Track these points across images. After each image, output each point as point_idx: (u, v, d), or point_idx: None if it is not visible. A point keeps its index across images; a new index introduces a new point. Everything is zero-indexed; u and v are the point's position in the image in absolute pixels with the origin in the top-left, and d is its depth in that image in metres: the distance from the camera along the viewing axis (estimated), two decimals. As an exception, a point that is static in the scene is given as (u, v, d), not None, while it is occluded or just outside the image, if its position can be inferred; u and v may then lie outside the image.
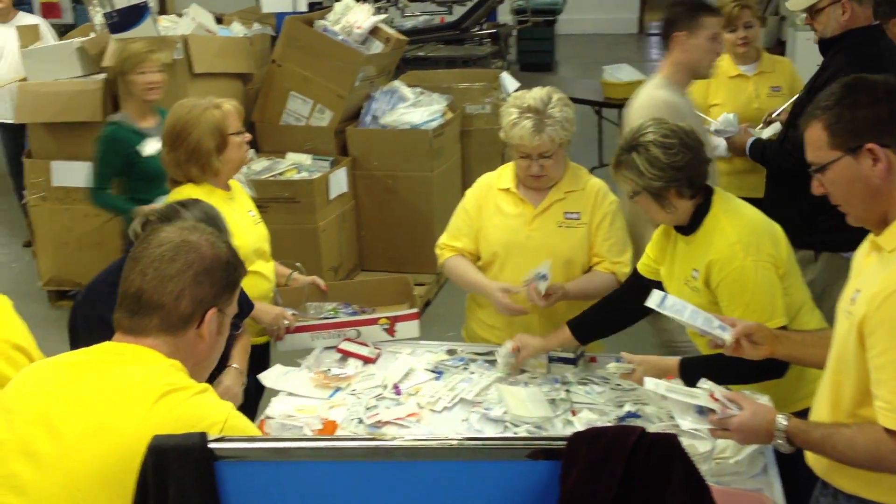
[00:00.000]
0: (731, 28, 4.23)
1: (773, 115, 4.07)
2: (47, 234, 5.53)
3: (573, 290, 2.99)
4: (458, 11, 10.57)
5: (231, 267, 1.77)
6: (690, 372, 2.48)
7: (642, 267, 2.85)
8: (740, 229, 2.54)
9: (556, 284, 2.93)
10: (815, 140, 1.98)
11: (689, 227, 2.63)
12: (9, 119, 5.95)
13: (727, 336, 2.29)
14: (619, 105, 7.49)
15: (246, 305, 2.81)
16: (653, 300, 2.40)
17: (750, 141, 3.86)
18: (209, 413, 1.64)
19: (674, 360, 2.60)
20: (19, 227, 6.60)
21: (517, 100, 2.99)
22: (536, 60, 12.11)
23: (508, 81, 6.12)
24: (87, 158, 5.37)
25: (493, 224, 3.10)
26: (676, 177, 2.53)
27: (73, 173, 5.35)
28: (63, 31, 9.55)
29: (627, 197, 2.67)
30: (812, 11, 3.52)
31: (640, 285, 2.74)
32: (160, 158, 3.06)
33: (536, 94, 2.97)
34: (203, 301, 1.72)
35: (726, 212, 2.59)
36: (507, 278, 3.04)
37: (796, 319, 2.59)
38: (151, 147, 4.02)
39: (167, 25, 5.54)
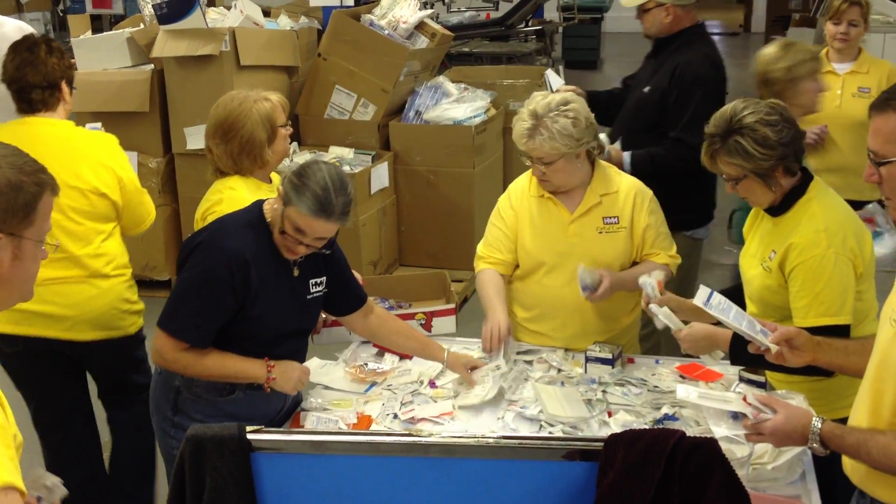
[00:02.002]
0: (835, 20, 4.23)
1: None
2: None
3: (628, 277, 2.93)
4: (504, 8, 10.53)
5: (16, 189, 1.68)
6: (741, 347, 2.45)
7: None
8: (829, 218, 2.50)
9: (603, 273, 2.90)
10: (891, 131, 1.93)
11: (779, 208, 2.58)
12: None
13: (769, 342, 2.25)
14: (665, 104, 7.50)
15: (356, 285, 2.90)
16: (699, 297, 2.37)
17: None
18: None
19: (727, 334, 2.56)
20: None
21: (532, 99, 2.94)
22: (582, 58, 12.03)
23: (553, 78, 6.05)
24: (134, 147, 5.46)
25: (528, 234, 3.05)
26: (785, 153, 2.49)
27: (120, 162, 5.42)
28: (113, 21, 9.69)
29: (727, 186, 2.61)
30: (640, 11, 3.85)
31: None
32: (207, 150, 3.05)
33: (548, 100, 2.90)
34: None
35: (820, 199, 2.54)
36: (552, 285, 3.01)
37: (860, 326, 2.53)
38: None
39: (215, 17, 5.59)
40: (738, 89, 10.35)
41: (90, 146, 3.21)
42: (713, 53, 3.92)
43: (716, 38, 15.13)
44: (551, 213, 3.02)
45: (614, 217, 3.00)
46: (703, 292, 2.37)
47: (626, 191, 3.02)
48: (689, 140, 3.71)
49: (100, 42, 5.59)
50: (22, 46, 3.17)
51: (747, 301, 2.71)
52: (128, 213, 3.24)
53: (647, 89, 3.83)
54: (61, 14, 12.00)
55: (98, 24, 9.19)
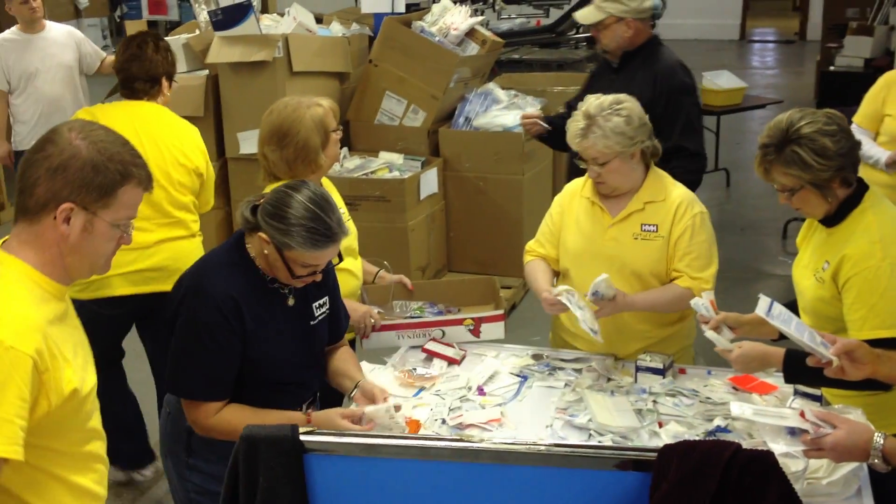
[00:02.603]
0: None
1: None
2: (147, 223, 5.69)
3: (640, 301, 2.93)
4: (555, 14, 10.51)
5: (96, 170, 1.81)
6: (795, 364, 2.40)
7: None
8: (885, 229, 2.45)
9: (618, 293, 2.86)
10: None
11: (833, 218, 2.53)
12: None
13: (830, 354, 2.20)
14: (718, 112, 7.44)
15: (344, 317, 2.82)
16: (761, 307, 2.32)
17: None
18: None
19: (779, 351, 2.52)
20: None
21: (586, 101, 2.96)
22: (632, 65, 11.94)
23: (604, 86, 6.05)
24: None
25: (570, 232, 3.08)
26: (843, 164, 2.44)
27: (174, 166, 5.51)
28: (169, 27, 9.85)
29: (780, 196, 2.57)
30: (599, 27, 3.84)
31: None
32: (261, 156, 3.08)
33: (601, 100, 2.92)
34: (58, 192, 1.79)
35: (875, 210, 2.49)
36: (581, 287, 2.98)
37: None
38: None
39: (269, 24, 5.65)
40: (793, 98, 10.21)
41: (191, 131, 3.72)
42: (682, 61, 3.98)
43: (770, 45, 14.96)
44: (595, 216, 3.03)
45: (653, 225, 2.97)
46: (763, 302, 2.33)
47: (673, 201, 2.99)
48: (691, 147, 3.76)
49: (156, 48, 5.67)
50: (133, 42, 3.65)
51: (801, 313, 2.66)
52: (205, 192, 3.76)
53: None
54: (118, 20, 12.24)
55: (154, 31, 9.34)
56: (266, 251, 2.43)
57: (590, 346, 3.05)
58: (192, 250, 3.62)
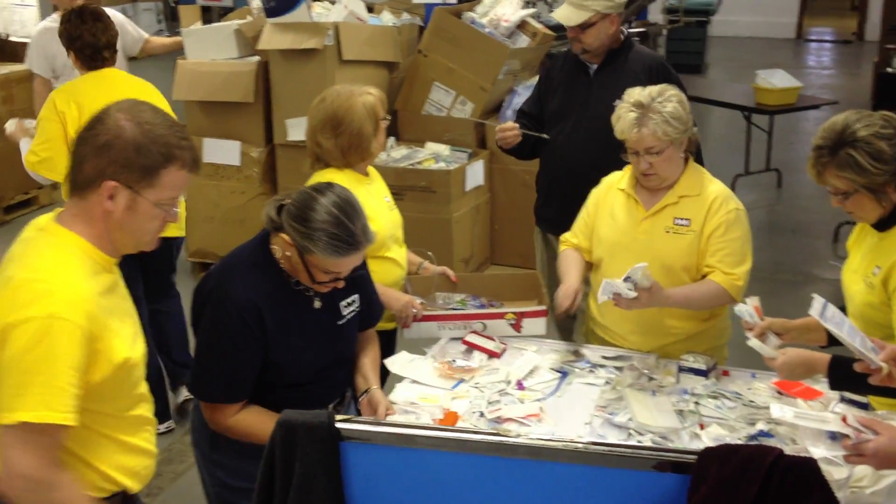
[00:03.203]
0: None
1: None
2: (196, 207, 5.76)
3: (675, 295, 2.88)
4: (608, 9, 10.40)
5: (139, 150, 1.86)
6: (840, 371, 2.35)
7: None
8: None
9: (655, 284, 2.82)
10: None
11: (885, 223, 2.48)
12: None
13: (879, 360, 2.15)
14: (771, 111, 7.31)
15: (377, 308, 2.81)
16: (815, 308, 2.27)
17: None
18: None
19: (825, 357, 2.47)
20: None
21: (630, 95, 2.93)
22: (685, 61, 11.79)
23: (655, 82, 5.98)
24: (237, 137, 5.59)
25: (605, 223, 3.09)
26: None
27: (224, 151, 5.57)
28: (222, 13, 9.94)
29: (833, 199, 2.52)
30: (583, 26, 3.63)
31: None
32: (313, 144, 3.09)
33: (649, 90, 2.91)
34: (104, 170, 1.86)
35: None
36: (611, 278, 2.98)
37: None
38: None
39: (320, 12, 5.67)
40: (849, 99, 10.03)
41: (153, 87, 4.15)
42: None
43: (826, 45, 14.68)
44: (629, 209, 3.03)
45: (686, 219, 2.95)
46: (817, 303, 2.28)
47: (708, 196, 2.95)
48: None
49: (208, 33, 5.73)
50: (88, 15, 3.98)
51: (849, 318, 2.61)
52: None
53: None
54: (173, 4, 12.39)
55: (208, 16, 9.45)
56: (288, 253, 2.39)
57: (605, 333, 3.07)
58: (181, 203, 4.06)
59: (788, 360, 2.51)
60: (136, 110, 1.92)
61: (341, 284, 2.45)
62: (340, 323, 2.58)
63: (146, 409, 2.07)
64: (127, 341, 1.93)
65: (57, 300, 1.78)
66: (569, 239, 3.23)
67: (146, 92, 4.01)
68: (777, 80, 7.29)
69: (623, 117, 2.90)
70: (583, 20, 3.60)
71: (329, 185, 2.43)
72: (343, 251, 2.33)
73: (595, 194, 3.18)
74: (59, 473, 1.82)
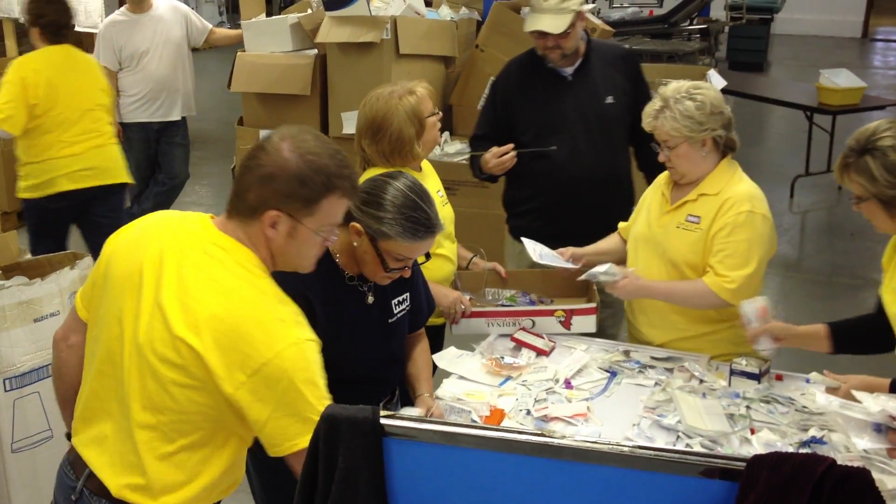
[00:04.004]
0: None
1: None
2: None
3: (657, 287, 2.97)
4: (669, 4, 10.28)
5: (300, 181, 1.90)
6: None
7: None
8: None
9: (630, 273, 2.99)
10: None
11: None
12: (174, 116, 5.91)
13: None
14: (834, 111, 7.16)
15: (427, 308, 2.80)
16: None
17: None
18: None
19: (884, 382, 2.42)
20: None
21: (666, 87, 2.94)
22: (747, 59, 11.62)
23: (715, 79, 5.88)
24: (293, 130, 5.63)
25: (641, 216, 3.14)
26: None
27: (280, 143, 5.61)
28: (283, 5, 10.03)
29: (852, 202, 2.50)
30: (564, 34, 3.45)
31: None
32: (359, 148, 3.09)
33: (678, 84, 2.91)
34: (267, 200, 1.91)
35: None
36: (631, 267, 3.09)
37: None
38: None
39: (379, 6, 5.68)
40: (914, 100, 9.55)
41: (96, 64, 4.92)
42: None
43: (894, 45, 14.32)
44: (659, 203, 3.06)
45: (697, 217, 2.94)
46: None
47: (724, 196, 2.91)
48: None
49: (267, 26, 5.78)
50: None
51: None
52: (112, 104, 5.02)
53: (610, 100, 3.58)
54: (235, -4, 12.51)
55: (269, 8, 9.54)
56: (356, 243, 2.39)
57: (654, 335, 3.08)
58: (113, 152, 4.82)
59: (852, 387, 2.46)
60: (300, 139, 1.95)
61: (408, 273, 2.47)
62: (391, 321, 2.58)
63: None
64: None
65: (292, 326, 1.90)
66: (621, 227, 3.32)
67: (90, 65, 4.74)
68: (841, 79, 7.14)
69: (649, 105, 2.94)
70: (567, 26, 3.43)
71: (400, 172, 2.47)
72: (420, 234, 2.36)
73: (647, 189, 3.23)
74: None
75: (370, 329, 2.53)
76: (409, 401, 2.71)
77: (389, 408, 2.65)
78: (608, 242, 3.32)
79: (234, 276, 1.90)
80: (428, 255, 2.58)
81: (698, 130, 2.85)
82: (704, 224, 2.92)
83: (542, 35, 3.48)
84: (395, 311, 2.60)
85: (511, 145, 3.54)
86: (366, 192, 2.40)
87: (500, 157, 3.54)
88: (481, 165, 3.64)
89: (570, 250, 3.26)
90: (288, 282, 2.39)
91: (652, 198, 3.13)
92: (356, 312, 2.49)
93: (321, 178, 1.92)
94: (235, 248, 1.95)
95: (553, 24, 3.44)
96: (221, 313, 1.85)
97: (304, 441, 1.75)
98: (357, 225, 2.38)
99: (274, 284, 1.96)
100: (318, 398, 1.88)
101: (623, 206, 3.51)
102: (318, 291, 2.40)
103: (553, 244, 3.65)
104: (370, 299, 2.51)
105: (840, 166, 2.46)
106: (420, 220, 2.34)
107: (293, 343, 1.87)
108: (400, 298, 2.61)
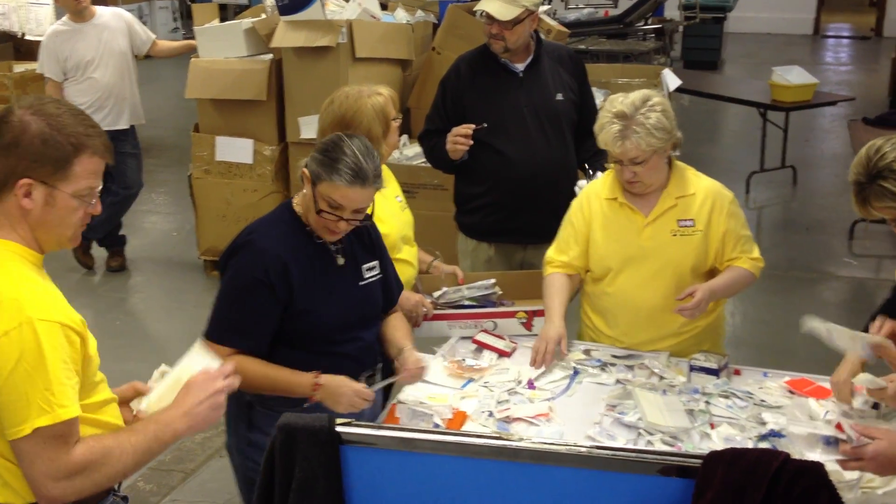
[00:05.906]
0: None
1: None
2: (208, 205, 5.77)
3: (719, 286, 2.91)
4: (624, 5, 10.36)
5: (46, 143, 1.83)
6: None
7: None
8: None
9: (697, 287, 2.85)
10: None
11: None
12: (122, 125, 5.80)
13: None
14: (787, 108, 7.26)
15: (396, 284, 2.86)
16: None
17: None
18: None
19: None
20: (185, 197, 6.94)
21: (612, 103, 2.88)
22: (702, 58, 11.74)
23: (670, 78, 5.95)
24: (250, 135, 5.59)
25: (601, 237, 3.01)
26: None
27: (236, 149, 5.57)
28: (237, 11, 9.95)
29: (891, 227, 2.46)
30: (510, 24, 3.50)
31: None
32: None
33: (631, 99, 2.84)
34: (14, 169, 1.83)
35: None
36: (621, 289, 2.98)
37: None
38: None
39: (334, 10, 5.66)
40: (866, 95, 9.93)
41: None
42: None
43: (844, 41, 14.54)
44: (626, 217, 2.98)
45: (689, 220, 2.95)
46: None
47: (704, 194, 2.96)
48: None
49: (220, 31, 5.74)
50: None
51: None
52: None
53: (560, 97, 3.67)
54: (189, 2, 12.41)
55: (224, 14, 9.47)
56: (305, 190, 2.51)
57: (608, 342, 3.05)
58: None
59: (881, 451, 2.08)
60: (39, 104, 1.89)
61: (343, 226, 2.52)
62: (362, 284, 2.67)
63: (105, 392, 2.01)
64: (89, 333, 1.93)
65: (25, 306, 1.78)
66: (556, 258, 3.10)
67: None
68: (793, 76, 7.24)
69: (606, 129, 2.85)
70: (514, 16, 3.48)
71: (358, 135, 2.59)
72: (351, 181, 2.44)
73: (578, 207, 3.08)
74: (83, 454, 1.80)
75: (342, 289, 2.61)
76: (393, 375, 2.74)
77: (370, 382, 2.67)
78: (562, 294, 3.05)
79: None
80: (368, 216, 2.61)
81: (667, 139, 2.85)
82: (701, 225, 2.94)
83: (490, 20, 3.55)
84: (366, 276, 2.68)
85: (469, 125, 3.59)
86: (322, 142, 2.53)
87: (457, 136, 3.60)
88: (442, 146, 3.67)
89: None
90: (263, 243, 2.50)
91: (605, 214, 3.01)
92: (328, 272, 2.59)
93: (67, 138, 1.85)
94: None
95: (499, 10, 3.50)
96: None
97: (26, 427, 1.73)
98: (305, 170, 2.50)
99: (24, 264, 1.87)
100: (46, 380, 1.77)
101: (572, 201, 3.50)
102: (291, 252, 2.52)
103: (506, 239, 3.68)
104: (340, 261, 2.61)
105: (859, 203, 2.41)
106: (354, 168, 2.44)
107: (15, 327, 1.77)
108: (370, 265, 2.70)
